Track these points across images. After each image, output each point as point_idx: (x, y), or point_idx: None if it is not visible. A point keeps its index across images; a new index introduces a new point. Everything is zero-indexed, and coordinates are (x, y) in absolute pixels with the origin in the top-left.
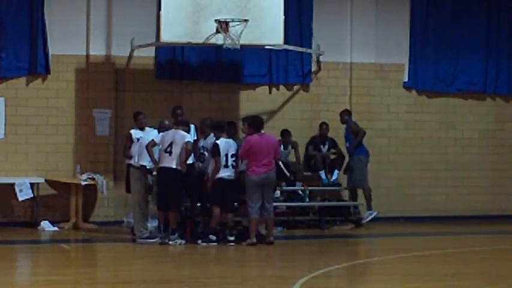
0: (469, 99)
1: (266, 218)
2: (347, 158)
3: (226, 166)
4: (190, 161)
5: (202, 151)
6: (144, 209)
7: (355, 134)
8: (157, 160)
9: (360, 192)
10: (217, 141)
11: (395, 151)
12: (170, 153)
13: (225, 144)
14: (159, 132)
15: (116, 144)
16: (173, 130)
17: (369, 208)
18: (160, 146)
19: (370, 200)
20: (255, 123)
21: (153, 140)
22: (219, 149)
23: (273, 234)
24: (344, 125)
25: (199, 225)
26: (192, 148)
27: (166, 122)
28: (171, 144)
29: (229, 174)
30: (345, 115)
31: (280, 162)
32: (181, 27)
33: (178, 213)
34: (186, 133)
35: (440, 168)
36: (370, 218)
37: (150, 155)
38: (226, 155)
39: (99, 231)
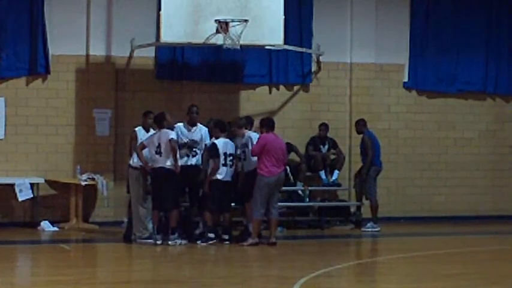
0: (469, 99)
1: (271, 218)
2: (347, 158)
3: (224, 165)
4: (193, 162)
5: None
6: (143, 209)
7: (366, 151)
8: (147, 161)
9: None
10: (216, 141)
11: (395, 151)
12: (160, 154)
13: (224, 144)
14: None
15: (116, 144)
16: (158, 131)
17: (374, 221)
18: (149, 147)
19: (375, 213)
20: (269, 123)
21: (142, 142)
22: (217, 149)
23: (275, 235)
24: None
25: (198, 225)
26: (177, 145)
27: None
28: (159, 146)
29: (226, 175)
30: (360, 125)
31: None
32: (181, 27)
33: (178, 212)
34: (170, 131)
35: (440, 168)
36: (370, 230)
37: (140, 157)
38: (225, 154)
39: (99, 231)
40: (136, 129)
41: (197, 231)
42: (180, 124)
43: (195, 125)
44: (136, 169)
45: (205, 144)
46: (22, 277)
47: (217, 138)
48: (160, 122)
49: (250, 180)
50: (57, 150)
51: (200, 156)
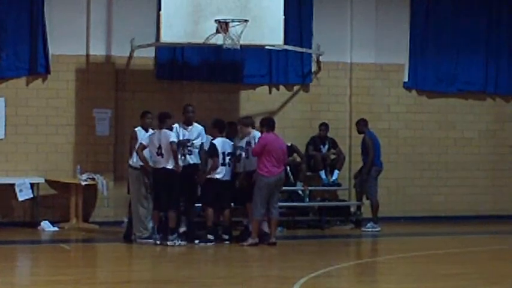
0: (469, 99)
1: (271, 218)
2: (347, 158)
3: (223, 165)
4: (191, 161)
5: (240, 151)
6: (144, 209)
7: (367, 151)
8: (147, 161)
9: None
10: (214, 141)
11: (395, 151)
12: (162, 155)
13: (222, 143)
14: None
15: (116, 144)
16: (157, 131)
17: (374, 221)
18: (149, 147)
19: (376, 213)
20: (269, 122)
21: (141, 143)
22: (216, 149)
23: (275, 235)
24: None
25: (197, 225)
26: (177, 147)
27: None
28: (160, 147)
29: (225, 174)
30: (361, 125)
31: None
32: (181, 27)
33: (177, 213)
34: (169, 132)
35: (440, 168)
36: (370, 230)
37: (141, 157)
38: (224, 153)
39: (99, 231)
40: (136, 129)
41: (181, 230)
42: (176, 125)
43: (191, 124)
44: (136, 169)
45: (202, 143)
46: (22, 277)
47: (214, 137)
48: (163, 121)
49: (252, 179)
50: (57, 150)
51: (197, 154)
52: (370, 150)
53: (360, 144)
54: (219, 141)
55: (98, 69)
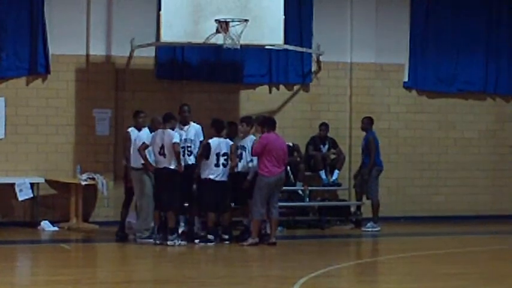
0: (469, 99)
1: (272, 218)
2: (347, 158)
3: (217, 165)
4: (191, 161)
5: (241, 151)
6: (146, 210)
7: (369, 151)
8: (150, 161)
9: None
10: (210, 141)
11: (395, 151)
12: (164, 155)
13: (218, 143)
14: (150, 130)
15: (116, 144)
16: (161, 130)
17: (374, 221)
18: (151, 147)
19: (376, 213)
20: (270, 122)
21: (144, 142)
22: (209, 149)
23: (275, 235)
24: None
25: (195, 225)
26: (179, 148)
27: (159, 118)
28: (163, 147)
29: (220, 174)
30: (366, 123)
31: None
32: (181, 27)
33: (176, 213)
34: (173, 132)
35: (440, 168)
36: (370, 230)
37: (143, 158)
38: (218, 154)
39: (99, 231)
40: (129, 129)
41: (180, 230)
42: None
43: (187, 123)
44: (138, 169)
45: (201, 141)
46: (22, 277)
47: (211, 137)
48: (168, 121)
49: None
50: (57, 150)
51: (197, 154)
52: (373, 150)
53: (361, 144)
54: (214, 142)
55: (98, 69)
